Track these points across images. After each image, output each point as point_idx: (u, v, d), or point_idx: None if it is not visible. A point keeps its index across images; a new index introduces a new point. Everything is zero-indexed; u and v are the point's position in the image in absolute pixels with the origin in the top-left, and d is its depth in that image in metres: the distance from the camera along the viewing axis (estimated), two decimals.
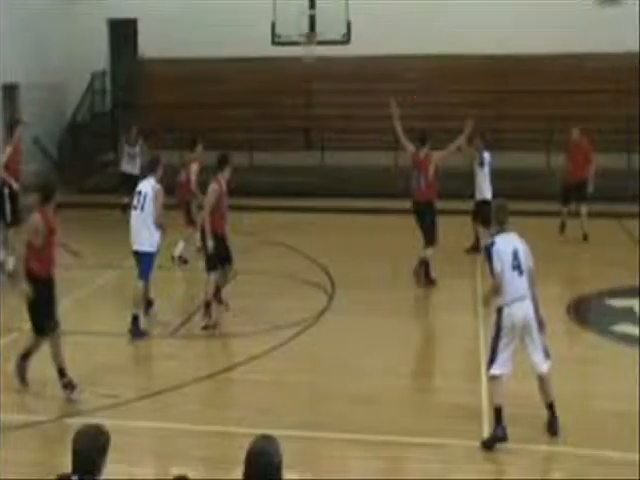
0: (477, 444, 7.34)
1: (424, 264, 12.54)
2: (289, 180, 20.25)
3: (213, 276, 10.78)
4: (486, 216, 13.62)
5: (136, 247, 10.59)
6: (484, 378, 8.59)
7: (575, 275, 13.87)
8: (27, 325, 8.96)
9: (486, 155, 14.35)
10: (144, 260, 10.58)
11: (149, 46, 23.59)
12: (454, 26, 21.75)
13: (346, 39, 20.26)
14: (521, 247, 7.48)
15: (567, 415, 7.61)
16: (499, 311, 7.42)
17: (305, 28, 20.47)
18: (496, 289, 7.42)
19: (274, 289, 12.61)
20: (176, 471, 6.34)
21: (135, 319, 10.40)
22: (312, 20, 20.58)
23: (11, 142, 13.89)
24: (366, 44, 21.23)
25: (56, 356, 8.49)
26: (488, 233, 13.60)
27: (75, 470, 4.19)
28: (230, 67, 22.83)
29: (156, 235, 10.48)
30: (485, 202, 13.79)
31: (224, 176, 10.70)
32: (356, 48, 20.91)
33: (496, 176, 14.64)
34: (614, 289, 12.22)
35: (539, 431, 7.52)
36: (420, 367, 9.40)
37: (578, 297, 11.85)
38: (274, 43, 20.66)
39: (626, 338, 10.22)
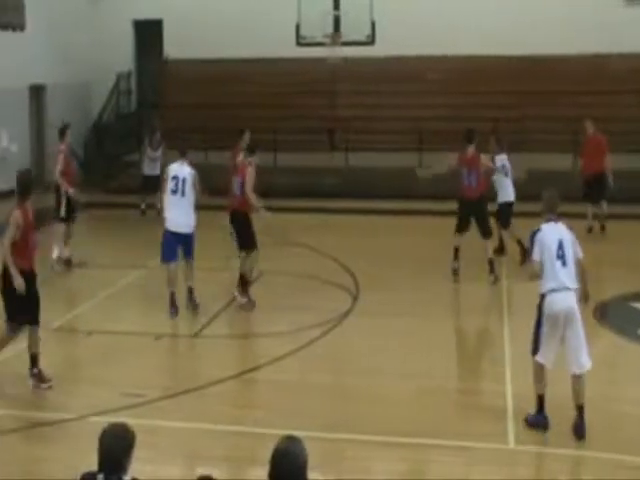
0: (502, 447, 7.31)
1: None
2: (313, 181, 20.25)
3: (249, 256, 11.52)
4: (506, 218, 13.66)
5: (183, 229, 11.20)
6: (509, 380, 8.57)
7: (600, 277, 13.75)
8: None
9: (499, 158, 14.07)
10: (191, 241, 11.31)
11: (174, 47, 23.71)
12: (478, 27, 21.71)
13: (370, 40, 20.28)
14: (568, 238, 7.50)
15: (591, 418, 7.54)
16: (541, 297, 7.45)
17: (329, 29, 20.51)
18: (533, 276, 7.50)
19: (298, 290, 12.62)
20: (201, 471, 6.36)
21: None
22: (336, 21, 20.63)
23: (63, 148, 13.80)
24: (390, 45, 21.22)
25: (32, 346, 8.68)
26: (508, 234, 13.64)
27: (101, 469, 4.22)
28: (255, 68, 22.88)
29: (195, 218, 11.31)
30: (508, 204, 13.75)
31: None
32: (380, 49, 20.92)
33: (520, 177, 14.57)
34: (639, 292, 12.13)
35: (564, 435, 7.48)
36: (444, 369, 9.36)
37: (603, 300, 11.76)
38: (299, 44, 20.71)
39: None
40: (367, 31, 20.23)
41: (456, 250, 13.02)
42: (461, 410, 8.29)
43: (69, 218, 13.66)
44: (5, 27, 20.12)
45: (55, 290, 12.71)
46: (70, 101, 22.72)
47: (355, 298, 12.04)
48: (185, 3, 23.43)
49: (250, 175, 11.39)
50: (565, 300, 7.34)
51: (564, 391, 7.55)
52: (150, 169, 18.29)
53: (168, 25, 24.06)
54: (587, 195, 15.92)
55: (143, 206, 18.19)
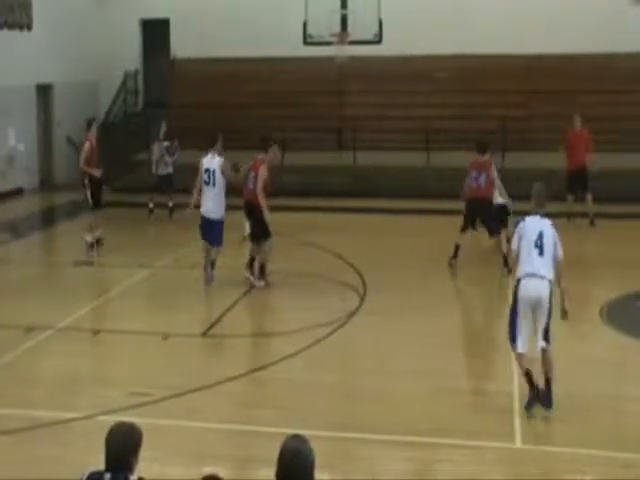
0: (510, 445, 7.29)
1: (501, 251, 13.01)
2: (321, 180, 20.24)
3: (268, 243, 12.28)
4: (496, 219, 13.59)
5: (211, 215, 12.32)
6: (517, 380, 8.53)
7: (606, 277, 13.70)
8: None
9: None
10: (218, 227, 12.36)
11: (181, 46, 23.73)
12: (485, 26, 21.69)
13: (378, 39, 20.25)
14: (549, 232, 7.75)
15: (598, 417, 7.51)
16: (517, 282, 7.75)
17: (337, 28, 20.49)
18: (512, 261, 7.86)
19: (305, 289, 12.61)
20: (207, 470, 6.34)
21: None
22: (344, 20, 20.61)
23: (88, 137, 15.06)
24: (398, 44, 21.20)
25: None
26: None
27: (108, 468, 4.20)
28: (262, 67, 22.90)
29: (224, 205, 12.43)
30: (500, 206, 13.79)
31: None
32: (388, 48, 20.90)
33: (528, 176, 14.51)
34: None
35: (571, 434, 7.45)
36: (452, 368, 9.32)
37: (610, 299, 11.71)
38: (306, 43, 20.70)
39: None
40: (375, 30, 20.21)
41: (457, 247, 13.19)
42: (469, 409, 8.26)
43: (97, 206, 14.93)
44: (12, 26, 20.16)
45: (62, 289, 12.74)
46: (77, 100, 22.77)
47: (362, 297, 12.01)
48: (192, 2, 23.43)
49: (261, 174, 11.61)
50: (537, 287, 7.60)
51: (573, 389, 7.51)
52: (163, 169, 18.34)
53: (175, 24, 24.07)
54: (570, 189, 16.27)
55: (151, 205, 18.21)
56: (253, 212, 12.31)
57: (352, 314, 11.21)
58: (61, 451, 7.31)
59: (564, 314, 7.81)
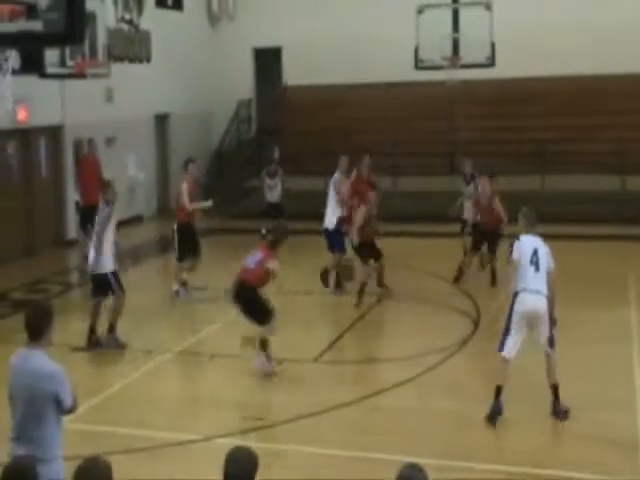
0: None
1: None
2: (433, 205, 20.09)
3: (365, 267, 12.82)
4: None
5: (326, 225, 13.73)
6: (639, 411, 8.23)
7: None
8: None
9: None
10: (332, 236, 13.63)
11: (292, 73, 24.10)
12: (596, 45, 21.21)
13: (490, 62, 20.06)
14: (542, 249, 8.41)
15: None
16: (514, 295, 8.35)
17: (448, 52, 20.41)
18: (512, 273, 8.44)
19: (417, 315, 12.53)
20: None
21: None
22: (455, 43, 20.51)
23: (185, 178, 13.97)
24: (510, 66, 20.96)
25: None
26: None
27: None
28: (373, 92, 23.02)
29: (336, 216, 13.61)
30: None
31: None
32: (500, 70, 20.69)
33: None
34: None
35: None
36: (570, 396, 9.05)
37: None
38: (417, 67, 20.69)
39: None
40: (487, 53, 20.03)
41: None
42: (589, 440, 8.00)
43: (185, 257, 13.79)
44: (133, 59, 20.93)
45: (178, 315, 13.04)
46: (192, 129, 23.42)
47: (476, 323, 11.84)
48: (303, 30, 23.78)
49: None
50: (534, 301, 8.25)
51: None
52: (271, 196, 18.65)
53: (287, 52, 24.48)
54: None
55: (263, 231, 18.48)
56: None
57: (465, 340, 11.06)
58: (180, 472, 7.46)
59: (553, 321, 8.40)
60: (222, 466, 4.21)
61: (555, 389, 8.49)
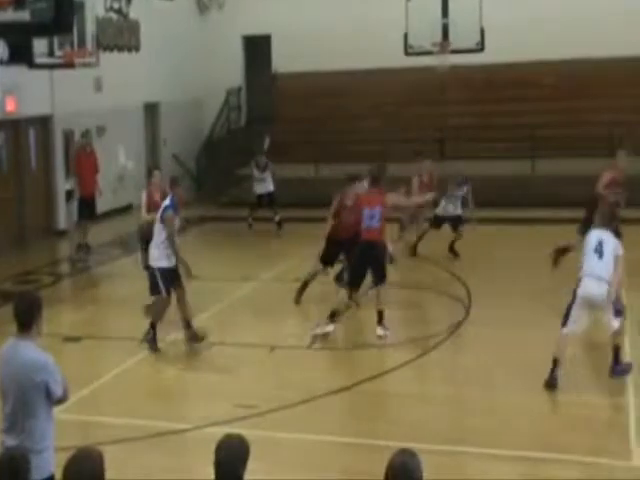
0: (621, 464, 7.05)
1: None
2: None
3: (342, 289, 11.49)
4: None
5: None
6: (632, 393, 8.25)
7: None
8: None
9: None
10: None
11: (282, 61, 24.01)
12: (588, 29, 21.18)
13: (480, 47, 20.01)
14: (608, 240, 8.89)
15: None
16: (578, 281, 8.85)
17: (438, 37, 20.35)
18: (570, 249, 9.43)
19: (411, 301, 12.53)
20: None
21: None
22: (445, 29, 20.45)
23: (148, 189, 13.32)
24: (500, 51, 20.91)
25: None
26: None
27: (217, 479, 4.23)
28: (363, 79, 22.94)
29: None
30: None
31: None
32: (490, 56, 20.64)
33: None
34: None
35: None
36: (563, 382, 9.07)
37: None
38: (407, 54, 20.63)
39: None
40: (476, 38, 19.99)
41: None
42: (581, 424, 8.02)
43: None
44: (122, 49, 20.82)
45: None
46: (182, 118, 23.32)
47: (467, 309, 11.84)
48: (293, 17, 23.68)
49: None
50: (596, 287, 8.70)
51: None
52: (261, 188, 18.40)
53: (276, 39, 24.37)
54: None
55: (250, 220, 18.44)
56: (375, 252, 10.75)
57: (458, 326, 11.06)
58: (171, 461, 7.45)
59: (617, 314, 8.84)
60: (213, 454, 4.20)
61: (617, 351, 9.00)
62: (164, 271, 10.25)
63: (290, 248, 15.81)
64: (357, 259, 10.84)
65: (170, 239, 10.22)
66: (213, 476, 4.21)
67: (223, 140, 24.16)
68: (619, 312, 8.94)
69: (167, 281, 10.27)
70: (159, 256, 10.30)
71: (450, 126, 22.02)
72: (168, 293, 10.33)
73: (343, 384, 9.11)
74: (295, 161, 20.73)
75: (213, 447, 4.23)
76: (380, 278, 10.73)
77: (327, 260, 12.15)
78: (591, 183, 13.52)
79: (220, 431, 4.93)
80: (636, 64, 21.22)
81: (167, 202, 10.53)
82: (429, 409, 8.50)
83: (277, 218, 17.90)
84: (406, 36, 20.39)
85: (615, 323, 8.85)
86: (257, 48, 25.00)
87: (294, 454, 7.60)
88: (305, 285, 12.33)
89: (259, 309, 12.50)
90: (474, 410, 8.50)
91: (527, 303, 11.92)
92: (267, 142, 18.85)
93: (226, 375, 9.66)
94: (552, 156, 19.88)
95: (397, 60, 21.37)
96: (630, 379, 8.84)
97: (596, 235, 9.00)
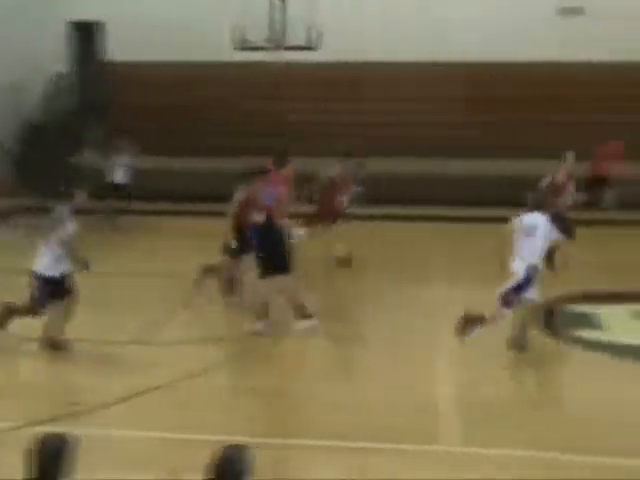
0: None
1: None
2: None
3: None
4: None
5: None
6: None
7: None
8: None
9: None
10: None
11: (117, 49, 23.46)
12: (417, 32, 21.96)
13: (314, 45, 20.20)
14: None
15: (541, 419, 7.60)
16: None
17: (272, 34, 20.41)
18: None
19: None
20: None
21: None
22: (279, 25, 20.52)
23: None
24: (334, 50, 21.27)
25: None
26: None
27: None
28: (200, 72, 22.86)
29: None
30: None
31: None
32: (324, 54, 20.96)
33: None
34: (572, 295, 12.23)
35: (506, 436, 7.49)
36: (392, 369, 9.25)
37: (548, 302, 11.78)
38: (242, 48, 20.59)
39: (588, 344, 10.37)
40: (310, 36, 20.19)
41: None
42: (402, 411, 8.21)
43: None
44: None
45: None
46: (2, 100, 22.15)
47: None
48: (127, 6, 23.26)
49: None
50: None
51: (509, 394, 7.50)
52: (119, 177, 18.25)
53: (111, 27, 23.81)
54: None
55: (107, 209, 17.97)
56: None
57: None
58: None
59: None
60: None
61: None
62: None
63: (135, 241, 15.27)
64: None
65: None
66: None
67: (48, 125, 23.17)
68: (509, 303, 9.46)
69: None
70: None
71: (287, 122, 22.14)
72: None
73: (161, 381, 8.85)
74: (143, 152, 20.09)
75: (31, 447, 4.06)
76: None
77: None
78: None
79: (40, 430, 4.72)
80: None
81: None
82: (255, 403, 8.49)
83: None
84: (237, 30, 20.27)
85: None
86: (88, 34, 24.37)
87: (116, 450, 7.37)
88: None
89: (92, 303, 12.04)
90: (301, 404, 8.54)
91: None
92: (98, 130, 18.42)
93: (42, 372, 9.29)
94: (386, 154, 20.36)
95: (228, 54, 21.30)
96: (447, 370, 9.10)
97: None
